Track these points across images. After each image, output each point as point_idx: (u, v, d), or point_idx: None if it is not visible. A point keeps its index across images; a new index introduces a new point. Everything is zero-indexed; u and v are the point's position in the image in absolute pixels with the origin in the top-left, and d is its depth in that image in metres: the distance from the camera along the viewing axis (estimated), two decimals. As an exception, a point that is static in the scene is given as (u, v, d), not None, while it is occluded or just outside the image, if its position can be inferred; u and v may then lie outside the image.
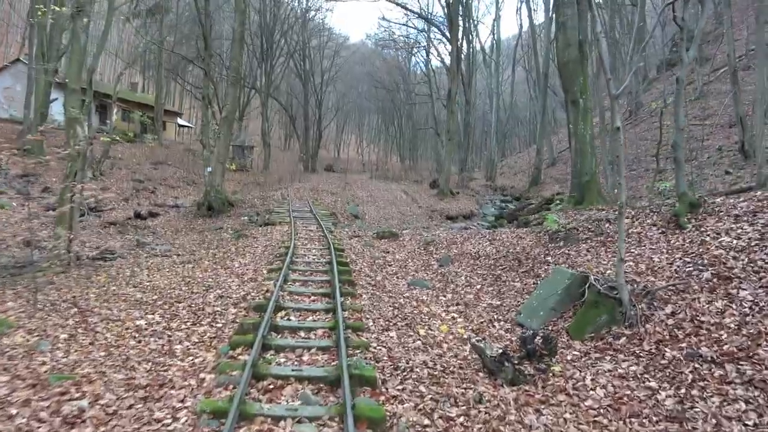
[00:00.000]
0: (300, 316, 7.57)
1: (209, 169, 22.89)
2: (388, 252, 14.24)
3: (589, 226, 10.79)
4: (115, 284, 10.09)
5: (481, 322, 8.65)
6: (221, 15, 46.90)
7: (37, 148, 31.04)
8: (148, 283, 10.16)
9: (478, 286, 10.68)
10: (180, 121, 53.61)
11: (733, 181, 25.52)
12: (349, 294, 8.75)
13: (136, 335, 6.98)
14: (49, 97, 32.11)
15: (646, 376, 5.74)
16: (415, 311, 9.00)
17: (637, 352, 6.30)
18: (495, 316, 8.91)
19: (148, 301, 8.55)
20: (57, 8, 18.91)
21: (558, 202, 20.73)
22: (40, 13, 22.75)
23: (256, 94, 49.74)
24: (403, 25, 47.76)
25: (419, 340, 7.29)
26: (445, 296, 10.31)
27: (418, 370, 6.03)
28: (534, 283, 9.73)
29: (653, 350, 6.22)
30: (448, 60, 46.25)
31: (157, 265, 12.59)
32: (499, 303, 9.49)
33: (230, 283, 9.46)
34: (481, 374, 6.12)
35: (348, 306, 7.97)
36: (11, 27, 55.07)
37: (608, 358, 6.40)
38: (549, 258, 10.43)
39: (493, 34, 56.07)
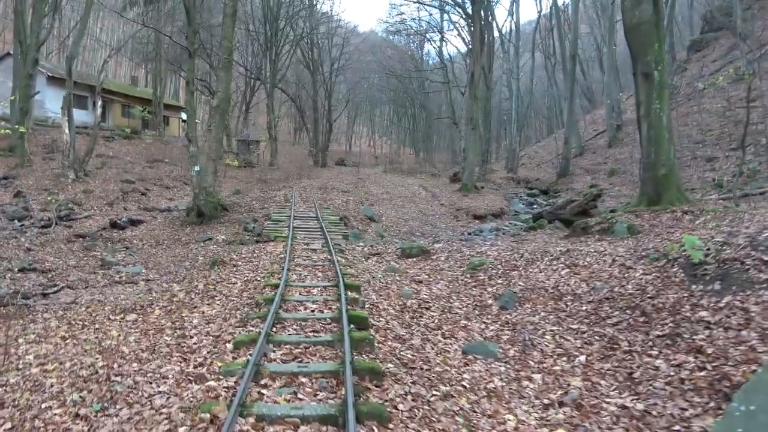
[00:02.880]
0: None
1: (197, 168, 18.58)
2: (421, 282, 9.83)
3: (765, 257, 6.31)
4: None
5: (628, 463, 4.26)
6: (218, 4, 42.44)
7: (20, 147, 27.04)
8: (36, 367, 5.86)
9: (581, 357, 6.25)
10: (184, 116, 49.31)
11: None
12: (376, 415, 4.35)
13: None
14: (31, 91, 27.84)
15: None
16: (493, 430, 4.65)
17: None
18: (649, 447, 4.52)
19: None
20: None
21: (627, 203, 16.28)
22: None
23: (263, 86, 45.33)
24: (417, 2, 42.30)
25: None
26: (531, 380, 5.90)
27: None
28: (700, 366, 5.27)
29: None
30: (464, 45, 41.63)
31: (85, 317, 8.29)
32: (641, 407, 5.05)
33: (158, 384, 5.07)
34: None
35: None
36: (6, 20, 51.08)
37: None
38: (705, 314, 5.95)
39: (512, 16, 51.21)
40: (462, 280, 9.75)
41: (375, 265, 11.04)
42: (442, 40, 50.71)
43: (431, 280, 9.92)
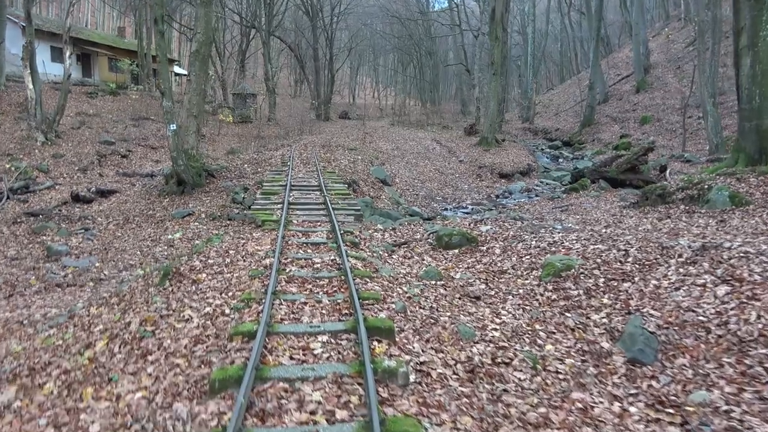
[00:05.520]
0: None
1: (173, 126, 14.77)
2: (479, 299, 6.30)
3: None
4: None
5: None
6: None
7: (-13, 106, 23.22)
8: None
9: None
10: (177, 70, 44.79)
11: None
12: None
13: None
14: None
15: None
16: None
17: None
18: None
19: None
20: None
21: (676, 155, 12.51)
22: None
23: (258, 35, 40.60)
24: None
25: None
26: None
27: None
28: None
29: None
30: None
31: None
32: None
33: None
34: None
35: None
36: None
37: None
38: None
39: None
40: (541, 294, 6.20)
41: (404, 265, 7.48)
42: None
43: (494, 294, 6.37)
